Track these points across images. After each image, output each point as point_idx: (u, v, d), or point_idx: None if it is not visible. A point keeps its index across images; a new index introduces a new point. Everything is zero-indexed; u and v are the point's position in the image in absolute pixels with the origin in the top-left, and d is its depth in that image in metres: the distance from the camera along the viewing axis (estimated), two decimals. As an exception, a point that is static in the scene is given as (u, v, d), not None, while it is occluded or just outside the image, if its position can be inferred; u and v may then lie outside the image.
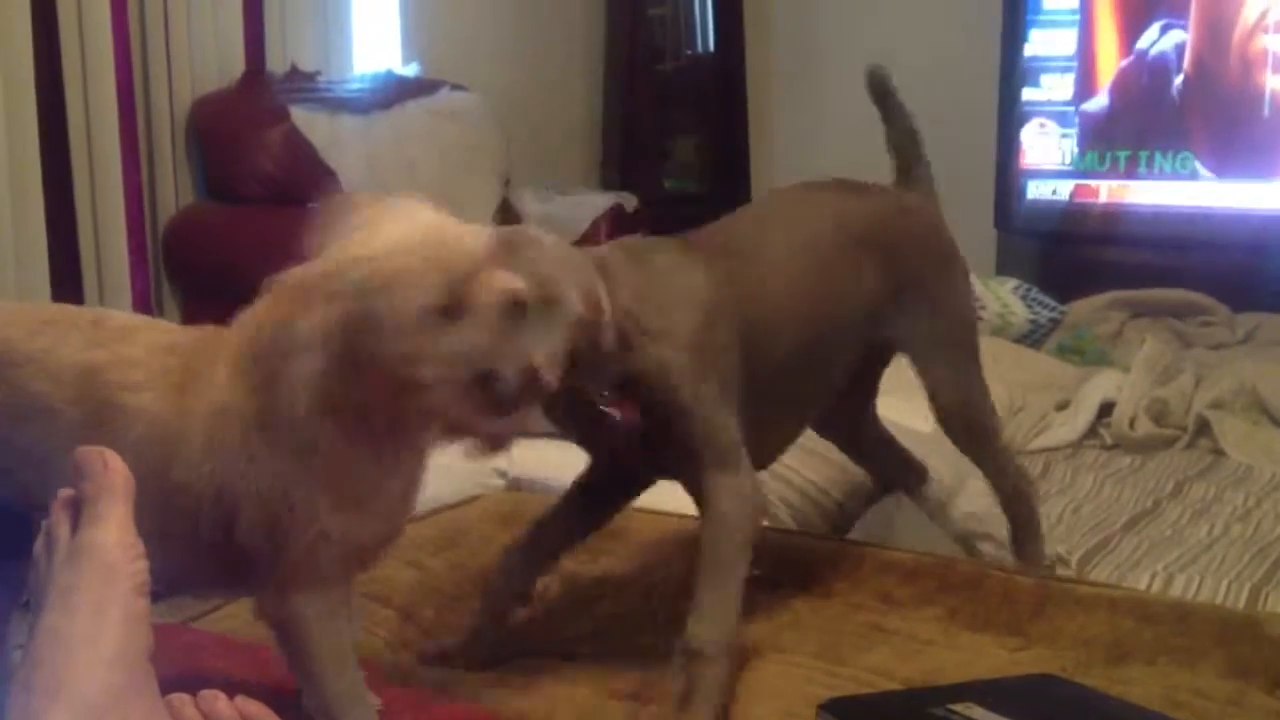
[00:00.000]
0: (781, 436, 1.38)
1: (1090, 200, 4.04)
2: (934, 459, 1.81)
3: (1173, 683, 1.15)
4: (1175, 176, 3.89)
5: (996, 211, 4.16)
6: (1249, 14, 3.79)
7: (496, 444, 0.96)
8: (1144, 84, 3.95)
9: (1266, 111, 3.79)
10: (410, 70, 3.86)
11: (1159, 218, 3.89)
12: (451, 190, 3.51)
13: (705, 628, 1.11)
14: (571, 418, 1.20)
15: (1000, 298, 3.19)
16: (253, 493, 0.91)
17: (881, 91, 1.51)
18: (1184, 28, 3.88)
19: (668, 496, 1.63)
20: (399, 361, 0.87)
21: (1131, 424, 2.40)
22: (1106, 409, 2.47)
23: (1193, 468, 2.25)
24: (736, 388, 1.21)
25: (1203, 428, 2.39)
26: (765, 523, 1.72)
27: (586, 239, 3.70)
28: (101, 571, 0.81)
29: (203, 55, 3.36)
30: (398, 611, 1.35)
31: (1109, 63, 4.00)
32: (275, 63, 3.54)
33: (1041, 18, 4.07)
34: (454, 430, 0.93)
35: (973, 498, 1.83)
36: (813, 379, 1.35)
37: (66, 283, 3.05)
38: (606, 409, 1.15)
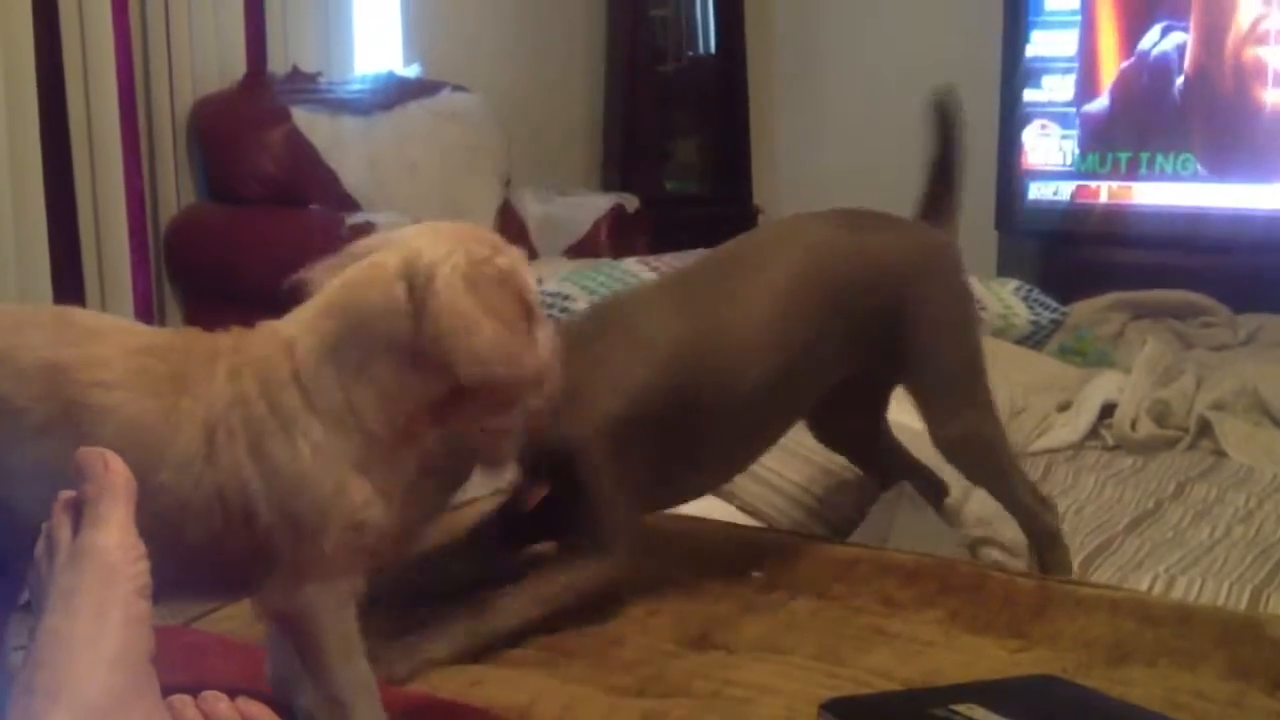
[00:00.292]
0: (737, 466, 1.46)
1: (1091, 201, 4.04)
2: (942, 464, 1.81)
3: (1173, 684, 1.15)
4: (1176, 178, 3.89)
5: (998, 212, 4.16)
6: (1248, 16, 3.79)
7: (504, 457, 1.02)
8: (1145, 85, 3.95)
9: (1267, 113, 3.79)
10: (411, 71, 3.87)
11: (1160, 219, 3.90)
12: (453, 191, 3.52)
13: (491, 614, 1.21)
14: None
15: (1001, 299, 3.18)
16: (273, 488, 0.91)
17: (946, 116, 1.48)
18: (1185, 29, 3.88)
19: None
20: (461, 360, 0.91)
21: (1133, 425, 2.39)
22: (1108, 410, 2.46)
23: (1194, 469, 2.25)
24: (661, 458, 1.28)
25: (1204, 429, 2.39)
26: (762, 525, 1.73)
27: (588, 240, 3.70)
28: (103, 573, 0.81)
29: (204, 56, 3.36)
30: (392, 611, 1.35)
31: (1110, 64, 4.00)
32: (276, 63, 3.54)
33: (1043, 19, 4.07)
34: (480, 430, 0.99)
35: (981, 503, 1.83)
36: (776, 416, 1.41)
37: (68, 283, 3.05)
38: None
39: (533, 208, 3.80)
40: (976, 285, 3.27)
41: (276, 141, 3.27)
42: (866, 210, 1.45)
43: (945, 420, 1.43)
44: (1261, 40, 3.79)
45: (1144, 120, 3.95)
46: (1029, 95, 4.09)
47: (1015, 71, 4.09)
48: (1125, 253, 3.89)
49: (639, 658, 1.22)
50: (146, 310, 3.22)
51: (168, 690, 0.84)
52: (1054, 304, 3.26)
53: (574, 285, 2.68)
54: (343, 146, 3.35)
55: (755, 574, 1.41)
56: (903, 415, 1.57)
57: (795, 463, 1.80)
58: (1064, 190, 4.08)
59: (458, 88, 3.73)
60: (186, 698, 0.87)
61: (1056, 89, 4.07)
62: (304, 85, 3.49)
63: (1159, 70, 3.92)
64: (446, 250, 0.92)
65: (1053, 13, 4.06)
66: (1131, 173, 3.97)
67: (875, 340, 1.39)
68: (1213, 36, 3.84)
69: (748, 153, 4.77)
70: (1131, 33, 3.97)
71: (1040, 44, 4.07)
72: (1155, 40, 3.92)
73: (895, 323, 1.39)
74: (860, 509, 1.77)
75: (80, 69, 3.06)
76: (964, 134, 1.47)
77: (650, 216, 3.88)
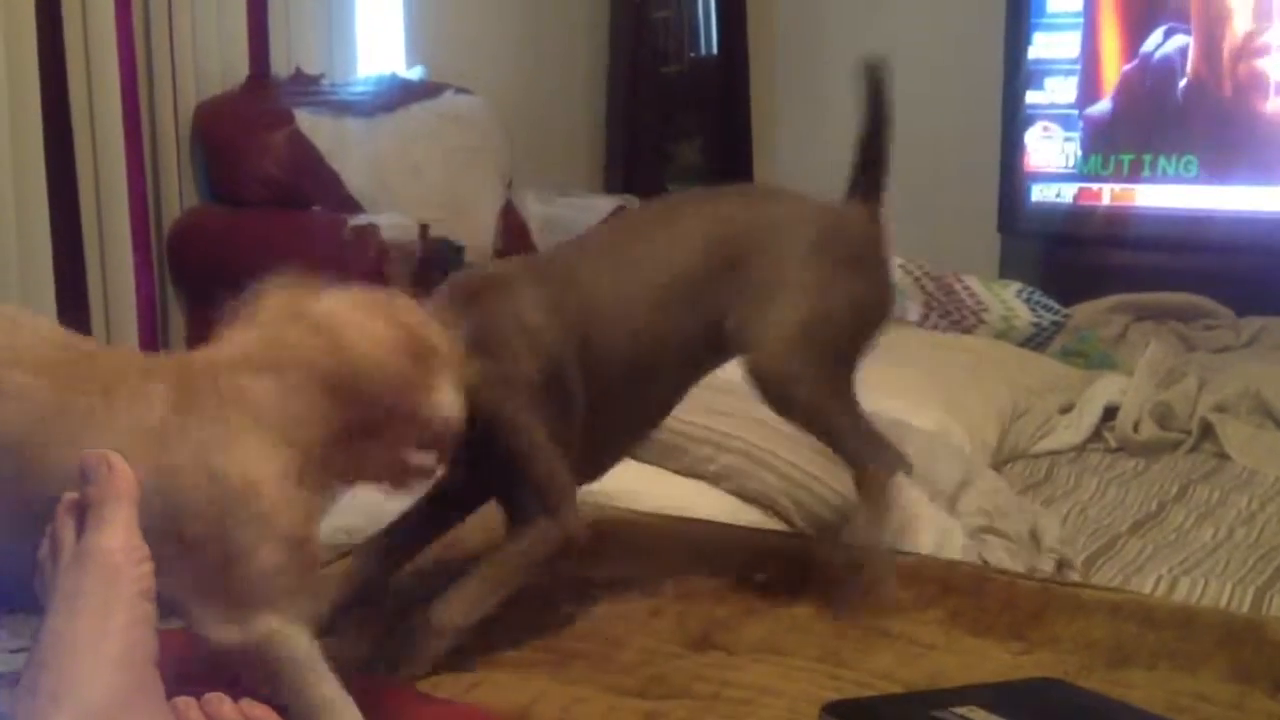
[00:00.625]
0: (617, 450, 1.41)
1: (1094, 203, 4.04)
2: (939, 458, 1.81)
3: (1175, 687, 1.15)
4: (1179, 180, 3.89)
5: (1000, 214, 4.16)
6: (1250, 20, 3.79)
7: (416, 478, 1.09)
8: (1148, 87, 3.95)
9: (1270, 115, 3.79)
10: (414, 73, 3.87)
11: (1163, 221, 3.89)
12: (455, 192, 3.52)
13: (452, 611, 1.20)
14: None
15: (1004, 301, 3.19)
16: (214, 502, 0.91)
17: (876, 88, 1.42)
18: (1187, 32, 3.88)
19: (668, 500, 1.63)
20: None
21: (1135, 427, 2.40)
22: (1110, 412, 2.46)
23: (1197, 471, 2.25)
24: (574, 416, 1.26)
25: (1207, 431, 2.39)
26: (766, 522, 1.73)
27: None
28: (106, 575, 0.81)
29: (207, 58, 3.36)
30: (390, 617, 1.35)
31: (1113, 66, 4.00)
32: (279, 66, 3.54)
33: (1045, 21, 4.07)
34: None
35: (980, 495, 1.84)
36: (648, 396, 1.38)
37: (70, 285, 3.05)
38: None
39: (535, 209, 3.81)
40: (978, 287, 3.28)
41: (279, 143, 3.27)
42: (774, 187, 1.44)
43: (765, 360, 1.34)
44: (1263, 45, 3.79)
45: (1146, 122, 3.95)
46: (1031, 97, 4.08)
47: (1017, 73, 4.09)
48: (1128, 255, 3.89)
49: (640, 659, 1.22)
50: (149, 312, 3.22)
51: (171, 692, 0.84)
52: (1056, 306, 3.26)
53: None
54: (346, 148, 3.35)
55: (759, 577, 1.41)
56: (893, 412, 1.56)
57: (795, 445, 1.79)
58: (1066, 192, 4.08)
59: (460, 90, 3.73)
60: (190, 700, 0.87)
61: (1059, 91, 4.06)
62: (307, 87, 3.49)
63: (1161, 73, 3.92)
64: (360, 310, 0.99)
65: (1055, 15, 4.06)
66: (1134, 175, 3.97)
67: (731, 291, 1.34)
68: (1214, 39, 3.84)
69: (750, 154, 4.77)
70: (1134, 35, 3.97)
71: (1042, 46, 4.07)
72: (1158, 43, 3.92)
73: (749, 277, 1.34)
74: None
75: (83, 71, 3.06)
76: (891, 109, 1.40)
77: (652, 218, 3.88)
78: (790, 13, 4.79)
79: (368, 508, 1.83)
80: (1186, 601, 1.60)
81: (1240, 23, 3.80)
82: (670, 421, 1.79)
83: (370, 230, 2.97)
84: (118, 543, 0.82)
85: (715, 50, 4.86)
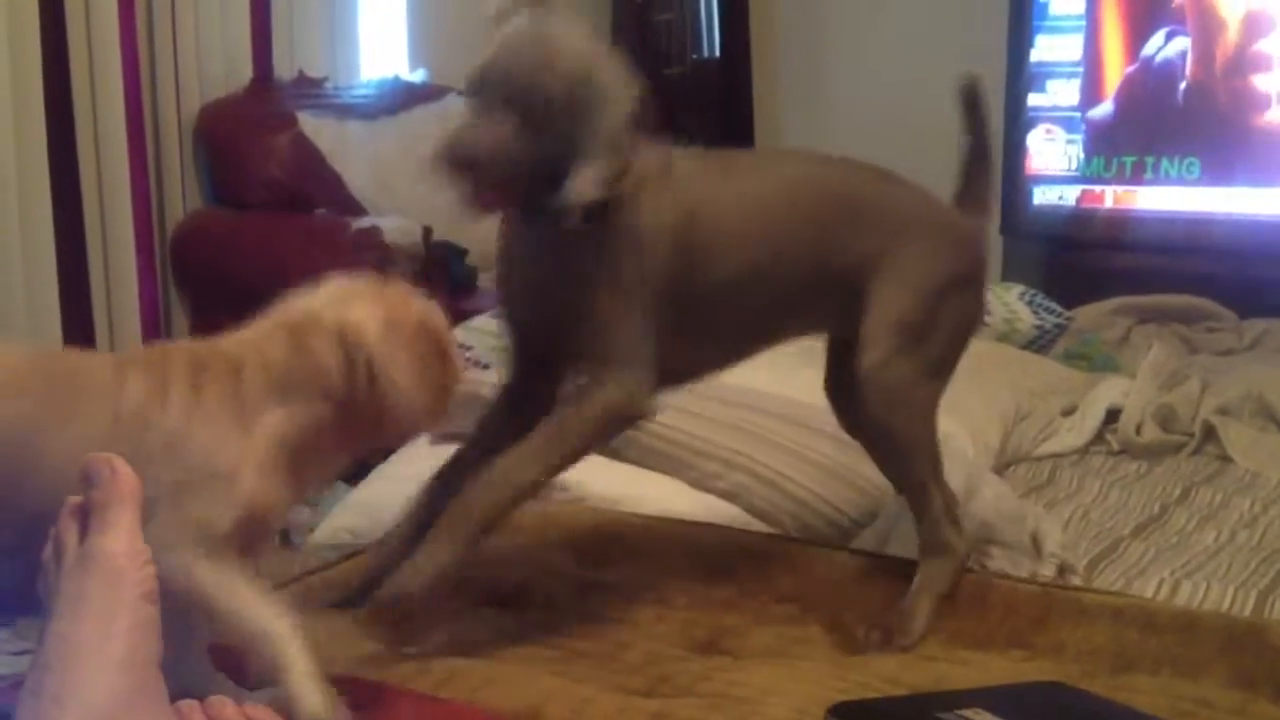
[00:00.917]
0: (715, 356, 1.38)
1: (1096, 206, 4.04)
2: (945, 464, 1.80)
3: (1178, 693, 1.15)
4: (1181, 182, 3.89)
5: (1002, 217, 4.16)
6: (1250, 22, 3.79)
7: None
8: (1149, 90, 3.95)
9: (1271, 118, 3.79)
10: (417, 76, 3.87)
11: (1165, 223, 3.89)
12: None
13: (489, 486, 1.19)
14: None
15: (1006, 303, 3.19)
16: (175, 470, 0.93)
17: (971, 102, 1.49)
18: (1188, 34, 3.88)
19: (668, 502, 1.63)
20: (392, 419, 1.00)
21: (1138, 430, 2.39)
22: (1113, 415, 2.46)
23: (1199, 474, 2.24)
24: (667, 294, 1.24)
25: (1209, 434, 2.39)
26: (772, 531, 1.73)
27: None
28: (109, 578, 0.81)
29: (210, 61, 3.37)
30: (397, 615, 1.35)
31: (1115, 68, 4.00)
32: (283, 69, 3.55)
33: (1048, 23, 4.07)
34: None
35: (984, 505, 1.83)
36: (743, 316, 1.35)
37: (74, 289, 3.06)
38: None
39: (538, 212, 3.81)
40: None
41: (282, 146, 3.27)
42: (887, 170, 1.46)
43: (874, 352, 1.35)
44: (1263, 48, 3.79)
45: (1149, 125, 3.95)
46: (1034, 100, 4.08)
47: (1020, 76, 4.09)
48: (1130, 257, 3.89)
49: (647, 660, 1.22)
50: (152, 314, 3.23)
51: (174, 695, 0.85)
52: (1059, 309, 3.26)
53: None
54: (348, 151, 3.36)
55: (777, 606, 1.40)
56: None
57: (804, 466, 1.81)
58: (1069, 195, 4.08)
59: (463, 92, 3.73)
60: (194, 703, 0.87)
61: (1061, 93, 4.06)
62: (310, 90, 3.50)
63: (1163, 75, 3.92)
64: (369, 310, 1.00)
65: (1057, 17, 4.06)
66: (1136, 177, 3.96)
67: (845, 286, 1.37)
68: (1214, 41, 3.84)
69: (752, 157, 4.78)
70: (1136, 37, 3.97)
71: (1045, 48, 4.07)
72: (1159, 45, 3.92)
73: (868, 273, 1.37)
74: (869, 513, 1.77)
75: (86, 74, 3.07)
76: (988, 120, 1.50)
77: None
78: (792, 14, 4.79)
79: (370, 509, 1.84)
80: (1189, 606, 1.60)
81: (1241, 25, 3.80)
82: (679, 435, 1.79)
83: (373, 233, 2.97)
84: (121, 546, 0.83)
85: (717, 52, 4.86)
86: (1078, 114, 4.04)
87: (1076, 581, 1.70)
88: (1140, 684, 1.18)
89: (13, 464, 0.91)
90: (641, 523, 1.61)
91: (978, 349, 2.85)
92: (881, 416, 1.36)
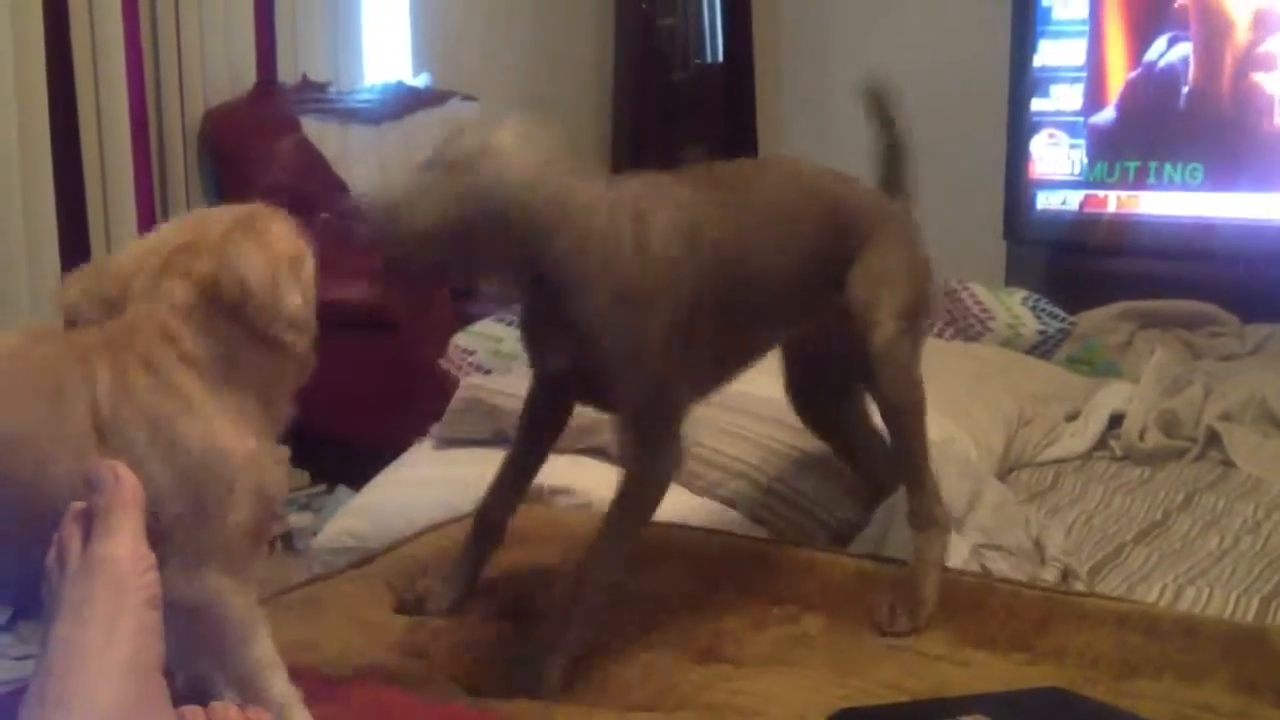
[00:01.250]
0: (732, 368, 1.44)
1: (1100, 211, 4.04)
2: (945, 470, 1.80)
3: (1180, 698, 1.15)
4: (1184, 187, 3.89)
5: (1006, 222, 4.16)
6: (1253, 28, 3.79)
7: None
8: (1152, 95, 3.95)
9: (1275, 123, 3.79)
10: (420, 81, 3.88)
11: (1168, 228, 3.89)
12: (461, 200, 3.53)
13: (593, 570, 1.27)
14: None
15: (1009, 308, 3.18)
16: (183, 472, 0.93)
17: (878, 103, 1.56)
18: (1190, 40, 3.88)
19: (668, 506, 1.63)
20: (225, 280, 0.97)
21: (1141, 435, 2.39)
22: (1116, 420, 2.46)
23: (1202, 479, 2.24)
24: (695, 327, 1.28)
25: (1212, 439, 2.39)
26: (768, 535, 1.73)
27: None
28: (113, 584, 0.81)
29: (214, 66, 3.37)
30: (405, 620, 1.35)
31: (1118, 74, 4.00)
32: (286, 74, 3.56)
33: (1051, 28, 4.07)
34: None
35: (985, 511, 1.83)
36: (752, 327, 1.42)
37: (78, 292, 3.06)
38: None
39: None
40: (984, 295, 3.27)
41: (286, 151, 3.28)
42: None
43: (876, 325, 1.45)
44: (1266, 53, 3.79)
45: (1151, 130, 3.95)
46: (1037, 104, 4.08)
47: (1023, 81, 4.09)
48: (1133, 262, 3.89)
49: (647, 673, 1.22)
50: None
51: (178, 700, 0.85)
52: (1062, 314, 3.25)
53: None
54: (352, 156, 3.36)
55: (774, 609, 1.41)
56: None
57: (793, 467, 1.81)
58: (1072, 199, 4.08)
59: (466, 97, 3.74)
60: (197, 708, 0.87)
61: (1065, 98, 4.06)
62: (313, 95, 3.50)
63: (1165, 81, 3.92)
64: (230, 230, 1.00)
65: (1061, 22, 4.06)
66: (1140, 182, 3.96)
67: (832, 280, 1.45)
68: (1216, 48, 3.84)
69: (756, 161, 4.78)
70: (1140, 42, 3.97)
71: (1048, 53, 4.07)
72: (1161, 51, 3.92)
73: (850, 265, 1.46)
74: (861, 511, 1.77)
75: (91, 79, 3.08)
76: (898, 117, 1.56)
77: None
78: (796, 20, 4.80)
79: (373, 513, 1.84)
80: (1191, 611, 1.60)
81: (1244, 30, 3.80)
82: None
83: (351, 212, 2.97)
84: (125, 551, 0.83)
85: (721, 57, 4.87)
86: (1081, 119, 4.04)
87: (1079, 587, 1.70)
88: (1143, 689, 1.18)
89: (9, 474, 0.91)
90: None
91: (981, 353, 2.88)
92: (896, 391, 1.46)
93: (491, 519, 1.41)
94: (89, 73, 3.07)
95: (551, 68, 4.48)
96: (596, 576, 1.27)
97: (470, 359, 2.61)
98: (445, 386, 2.18)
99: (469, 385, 2.00)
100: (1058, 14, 4.06)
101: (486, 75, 4.07)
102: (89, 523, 0.84)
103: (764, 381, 1.71)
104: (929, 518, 1.46)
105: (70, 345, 0.97)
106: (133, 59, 3.16)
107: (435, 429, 2.01)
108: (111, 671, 0.79)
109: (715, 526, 1.67)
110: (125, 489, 0.84)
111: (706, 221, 1.32)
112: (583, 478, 1.75)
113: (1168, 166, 3.91)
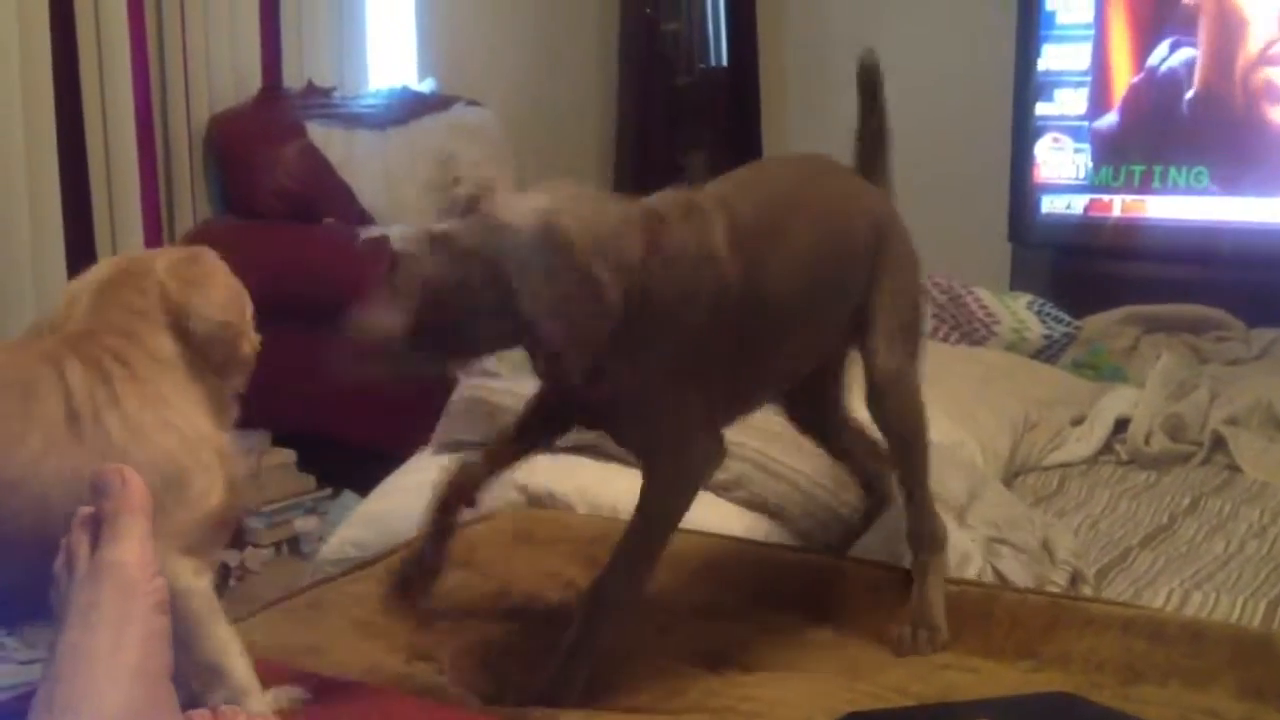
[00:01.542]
0: (751, 398, 1.41)
1: (1104, 215, 4.04)
2: (947, 469, 1.80)
3: (1186, 704, 1.15)
4: (1189, 191, 3.89)
5: (1011, 226, 4.16)
6: (1254, 32, 3.79)
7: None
8: (1155, 100, 3.94)
9: (1278, 127, 3.79)
10: (425, 86, 3.88)
11: (1173, 232, 3.89)
12: (466, 205, 3.53)
13: (612, 582, 1.24)
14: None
15: (1014, 313, 3.18)
16: (156, 462, 0.97)
17: (870, 84, 1.53)
18: (1194, 45, 3.88)
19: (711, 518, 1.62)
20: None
21: (1147, 440, 2.39)
22: (1122, 425, 2.46)
23: (1208, 484, 2.24)
24: (721, 357, 1.26)
25: (1218, 444, 2.39)
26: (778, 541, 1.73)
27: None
28: (121, 589, 0.82)
29: (220, 72, 3.38)
30: (411, 622, 1.35)
31: (1123, 78, 4.00)
32: (292, 79, 3.56)
33: (1055, 33, 4.07)
34: None
35: (990, 506, 1.83)
36: (788, 348, 1.38)
37: (84, 297, 3.06)
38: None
39: (546, 221, 3.81)
40: (989, 299, 3.27)
41: (291, 156, 3.28)
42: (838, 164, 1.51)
43: (880, 353, 1.41)
44: (1272, 57, 3.79)
45: (1156, 134, 3.94)
46: (1041, 108, 4.08)
47: (1028, 85, 4.08)
48: (1138, 266, 3.88)
49: (656, 677, 1.22)
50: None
51: (186, 705, 0.85)
52: (1067, 318, 3.25)
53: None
54: (357, 161, 3.36)
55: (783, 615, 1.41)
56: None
57: (798, 453, 1.79)
58: (1077, 203, 4.07)
59: (471, 102, 3.74)
60: (205, 712, 0.87)
61: (1069, 102, 4.06)
62: (319, 100, 3.50)
63: (1168, 85, 3.92)
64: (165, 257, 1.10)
65: (1065, 27, 4.06)
66: (1144, 186, 3.96)
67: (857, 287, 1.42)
68: (1222, 52, 3.84)
69: (760, 166, 4.78)
70: (1145, 46, 3.97)
71: (1052, 57, 4.07)
72: (1164, 56, 3.92)
73: (867, 266, 1.42)
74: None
75: (97, 85, 3.08)
76: (885, 102, 1.55)
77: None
78: (800, 24, 4.80)
79: (378, 523, 1.84)
80: (1197, 616, 1.60)
81: (1253, 34, 3.80)
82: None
83: (382, 242, 2.97)
84: (133, 556, 0.83)
85: (725, 62, 4.87)
86: (1085, 123, 4.04)
87: (1087, 590, 1.70)
88: (1148, 695, 1.18)
89: None
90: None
91: (986, 358, 2.88)
92: (901, 420, 1.43)
93: (460, 486, 1.35)
94: (94, 77, 3.07)
95: (556, 73, 4.48)
96: (616, 591, 1.24)
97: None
98: (450, 390, 2.18)
99: (470, 385, 1.99)
100: (1062, 18, 4.06)
101: (491, 80, 4.07)
102: (97, 528, 0.84)
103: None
104: (932, 535, 1.45)
105: (32, 349, 1.01)
106: (138, 64, 3.16)
107: (436, 431, 2.01)
108: (120, 676, 0.79)
109: (717, 522, 1.66)
110: (133, 494, 0.84)
111: (754, 224, 1.30)
112: (577, 477, 1.75)
113: (1172, 170, 3.91)
